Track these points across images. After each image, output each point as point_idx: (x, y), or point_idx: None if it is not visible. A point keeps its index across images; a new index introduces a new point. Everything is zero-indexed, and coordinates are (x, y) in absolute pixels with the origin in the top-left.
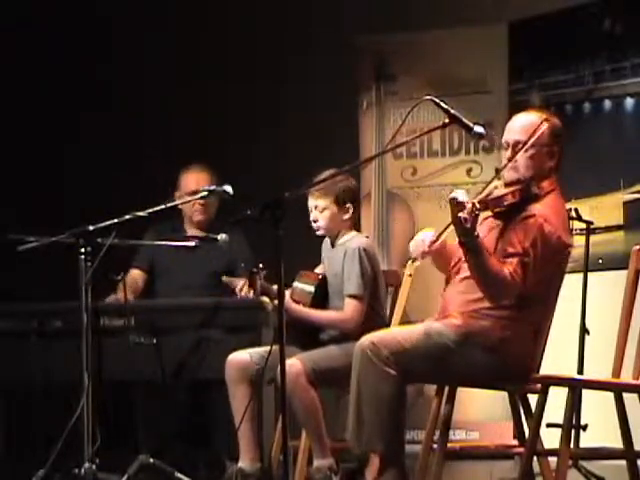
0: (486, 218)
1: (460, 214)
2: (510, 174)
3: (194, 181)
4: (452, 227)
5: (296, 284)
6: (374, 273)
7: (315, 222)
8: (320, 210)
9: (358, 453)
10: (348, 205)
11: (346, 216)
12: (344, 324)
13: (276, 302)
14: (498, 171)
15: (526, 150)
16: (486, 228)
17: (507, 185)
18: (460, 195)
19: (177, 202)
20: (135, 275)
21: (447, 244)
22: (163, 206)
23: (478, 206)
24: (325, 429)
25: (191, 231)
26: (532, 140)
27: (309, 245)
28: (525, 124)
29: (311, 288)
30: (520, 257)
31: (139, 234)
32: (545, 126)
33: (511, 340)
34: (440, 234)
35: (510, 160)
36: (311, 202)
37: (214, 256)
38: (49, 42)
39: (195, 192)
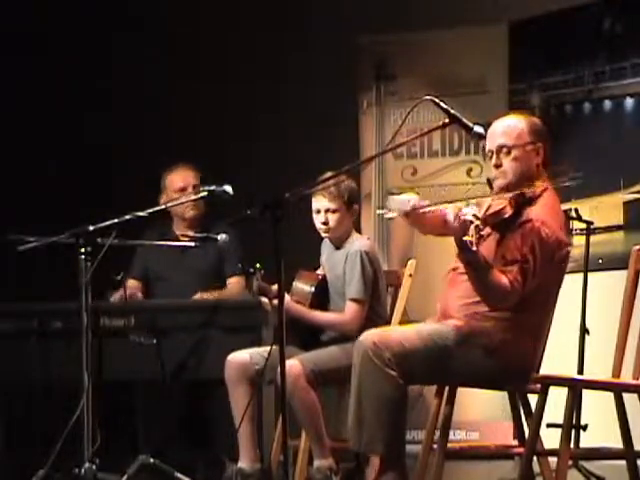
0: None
1: (465, 238)
2: (499, 181)
3: (181, 179)
4: (441, 206)
5: (295, 284)
6: (375, 275)
7: (325, 224)
8: (331, 212)
9: (358, 451)
10: (355, 206)
11: (353, 217)
12: (344, 327)
13: (275, 302)
14: (490, 182)
15: (509, 153)
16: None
17: (498, 192)
18: (468, 214)
19: (178, 202)
20: (131, 284)
21: (427, 215)
22: (163, 206)
23: (482, 227)
24: (325, 429)
25: (181, 232)
26: (513, 142)
27: (309, 245)
28: (505, 128)
29: (311, 288)
30: (520, 264)
31: (137, 238)
32: (523, 125)
33: (511, 342)
34: (429, 206)
35: (497, 167)
36: (321, 204)
37: (206, 256)
38: (50, 47)
39: (184, 189)
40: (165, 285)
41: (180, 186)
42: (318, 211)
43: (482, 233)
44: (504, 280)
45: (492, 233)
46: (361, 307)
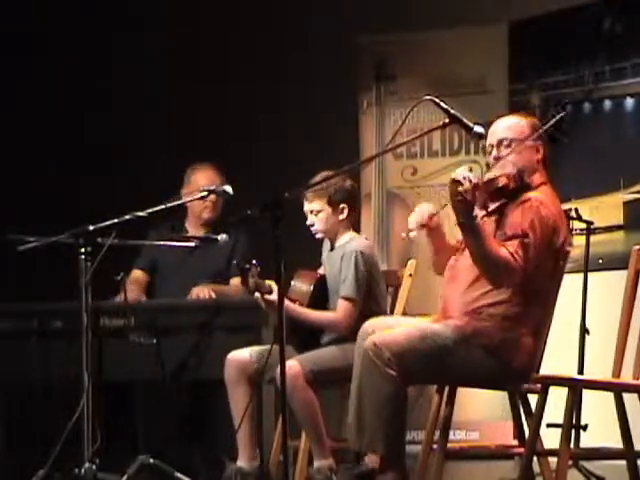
0: (482, 218)
1: (460, 188)
2: (499, 172)
3: (205, 178)
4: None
5: (294, 283)
6: (370, 276)
7: (312, 226)
8: (315, 213)
9: (358, 451)
10: (342, 205)
11: (342, 217)
12: (335, 325)
13: (267, 297)
14: (489, 165)
15: (510, 146)
16: (480, 222)
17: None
18: (460, 173)
19: (187, 199)
20: (137, 276)
21: (445, 234)
22: (163, 206)
23: (475, 180)
24: (325, 429)
25: (193, 230)
26: (516, 136)
27: (309, 245)
28: (507, 123)
29: (309, 287)
30: (520, 238)
31: (141, 235)
32: (524, 123)
33: (511, 341)
34: (441, 208)
35: (498, 159)
36: (306, 206)
37: (216, 256)
38: (50, 47)
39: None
40: (171, 281)
41: (204, 186)
42: (307, 214)
43: (477, 182)
44: (505, 252)
45: (490, 217)
46: (352, 306)
